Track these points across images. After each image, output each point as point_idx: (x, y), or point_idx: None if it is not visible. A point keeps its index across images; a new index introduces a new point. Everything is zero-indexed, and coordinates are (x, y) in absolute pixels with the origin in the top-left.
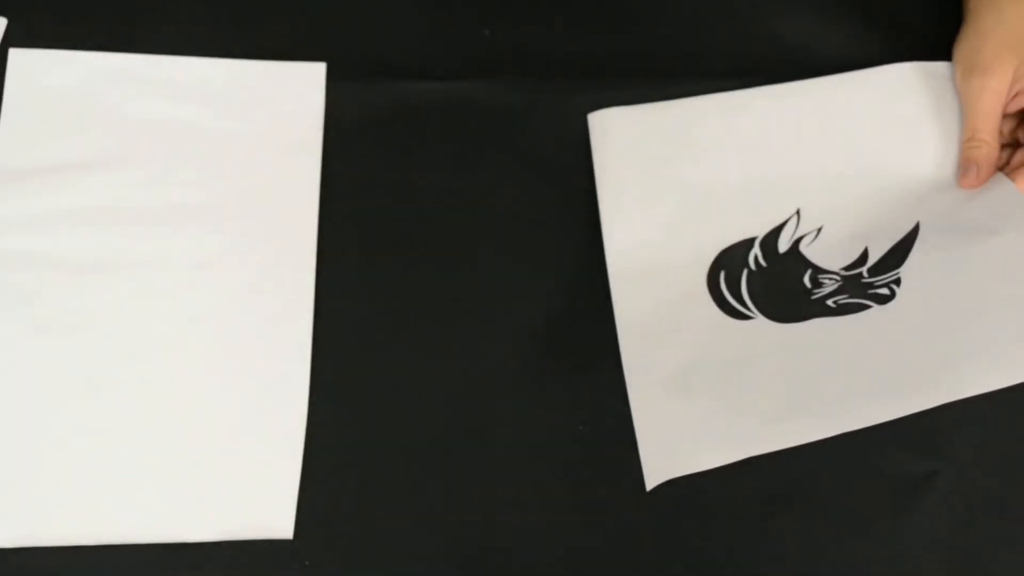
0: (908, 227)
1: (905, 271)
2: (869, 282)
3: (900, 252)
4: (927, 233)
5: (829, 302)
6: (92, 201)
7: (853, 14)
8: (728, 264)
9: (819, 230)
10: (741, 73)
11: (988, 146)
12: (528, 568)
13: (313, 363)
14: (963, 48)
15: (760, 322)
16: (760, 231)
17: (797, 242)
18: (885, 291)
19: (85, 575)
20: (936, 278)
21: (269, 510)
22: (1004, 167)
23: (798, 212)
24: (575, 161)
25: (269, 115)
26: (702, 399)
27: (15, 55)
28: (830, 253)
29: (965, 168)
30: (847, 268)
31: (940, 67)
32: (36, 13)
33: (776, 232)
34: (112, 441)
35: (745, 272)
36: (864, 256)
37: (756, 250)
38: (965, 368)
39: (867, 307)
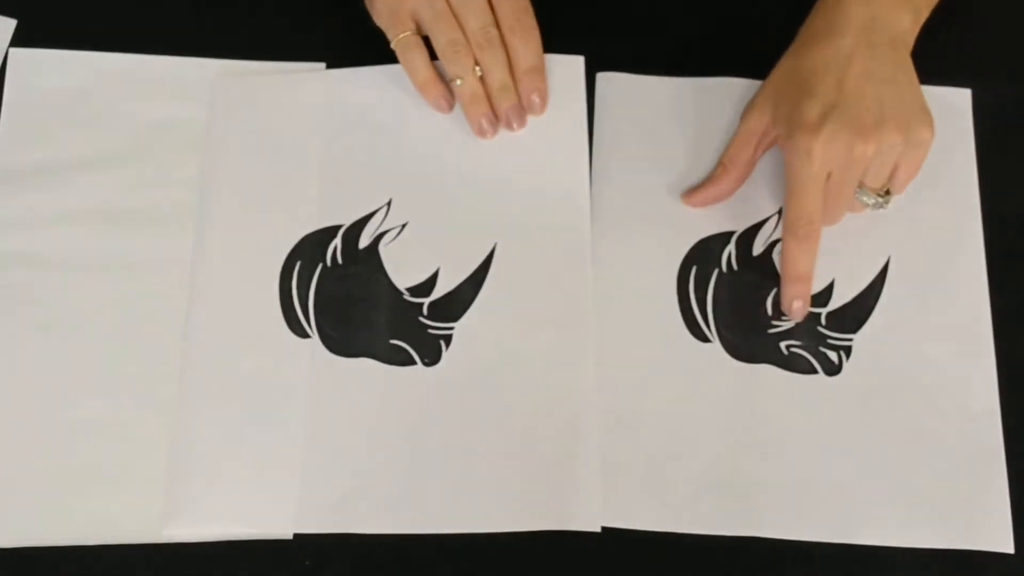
0: (878, 265)
1: (857, 344)
2: (823, 334)
3: (861, 308)
4: (891, 293)
5: (783, 345)
6: (91, 201)
7: None
8: (702, 259)
9: None
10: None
11: (725, 170)
12: (528, 568)
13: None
14: None
15: (715, 350)
16: (740, 227)
17: (772, 245)
18: (834, 357)
19: (84, 575)
20: (879, 382)
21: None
22: None
23: (780, 212)
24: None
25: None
26: (644, 448)
27: (15, 55)
28: None
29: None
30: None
31: (957, 94)
32: (36, 13)
33: (755, 229)
34: (111, 441)
35: (716, 273)
36: (828, 291)
37: (732, 247)
38: (880, 515)
39: (815, 371)
